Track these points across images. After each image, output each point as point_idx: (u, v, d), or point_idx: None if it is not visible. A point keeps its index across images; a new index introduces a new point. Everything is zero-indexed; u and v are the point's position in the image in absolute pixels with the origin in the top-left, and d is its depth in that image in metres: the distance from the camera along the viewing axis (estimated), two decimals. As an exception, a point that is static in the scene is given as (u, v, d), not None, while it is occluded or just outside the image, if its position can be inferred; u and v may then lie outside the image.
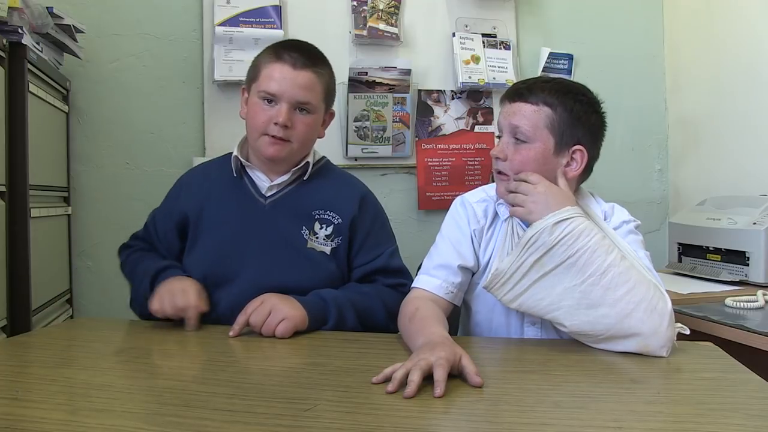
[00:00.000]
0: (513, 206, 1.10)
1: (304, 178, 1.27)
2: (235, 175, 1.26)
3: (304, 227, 1.24)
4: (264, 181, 1.26)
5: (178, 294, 1.12)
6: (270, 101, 1.20)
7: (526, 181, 1.09)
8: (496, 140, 1.21)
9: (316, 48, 1.27)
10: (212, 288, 1.20)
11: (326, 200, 1.27)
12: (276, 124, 1.18)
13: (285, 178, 1.25)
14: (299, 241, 1.23)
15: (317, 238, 1.24)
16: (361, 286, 1.26)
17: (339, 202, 1.27)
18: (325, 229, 1.25)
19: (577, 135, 1.12)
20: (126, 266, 1.31)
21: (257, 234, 1.23)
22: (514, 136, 1.13)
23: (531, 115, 1.11)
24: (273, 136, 1.19)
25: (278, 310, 1.09)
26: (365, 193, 1.33)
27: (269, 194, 1.26)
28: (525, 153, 1.11)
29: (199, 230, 1.25)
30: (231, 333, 1.08)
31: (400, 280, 1.29)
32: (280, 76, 1.19)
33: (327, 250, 1.24)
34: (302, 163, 1.27)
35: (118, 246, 1.35)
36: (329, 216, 1.25)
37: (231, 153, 1.28)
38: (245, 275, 1.20)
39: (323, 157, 1.36)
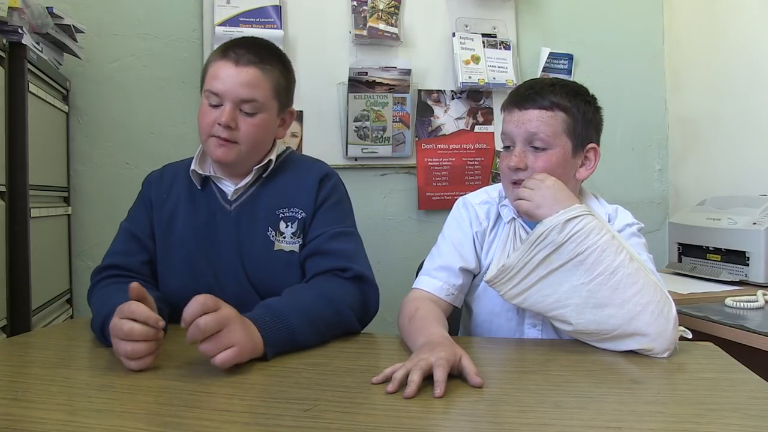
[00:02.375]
0: (518, 200, 1.09)
1: (264, 176, 1.23)
2: (199, 187, 1.23)
3: (269, 229, 1.20)
4: (229, 187, 1.23)
5: (120, 345, 0.89)
6: (216, 103, 1.15)
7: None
8: (498, 145, 1.20)
9: (268, 44, 1.22)
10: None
11: (288, 196, 1.22)
12: (219, 124, 1.14)
13: (248, 179, 1.22)
14: (266, 244, 1.20)
15: (284, 237, 1.20)
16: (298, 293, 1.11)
17: (300, 194, 1.22)
18: (291, 227, 1.21)
19: (590, 135, 1.13)
20: (90, 296, 1.18)
21: (226, 243, 1.20)
22: (530, 144, 1.11)
23: (548, 121, 1.09)
24: (219, 137, 1.15)
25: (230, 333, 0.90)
26: (324, 174, 1.25)
27: (233, 198, 1.22)
28: (547, 159, 1.10)
29: (170, 242, 1.21)
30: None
31: (336, 264, 1.14)
32: (224, 74, 1.14)
33: (296, 248, 1.21)
34: (264, 161, 1.22)
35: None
36: (293, 212, 1.21)
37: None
38: (220, 287, 1.18)
39: (287, 149, 1.31)
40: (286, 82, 1.24)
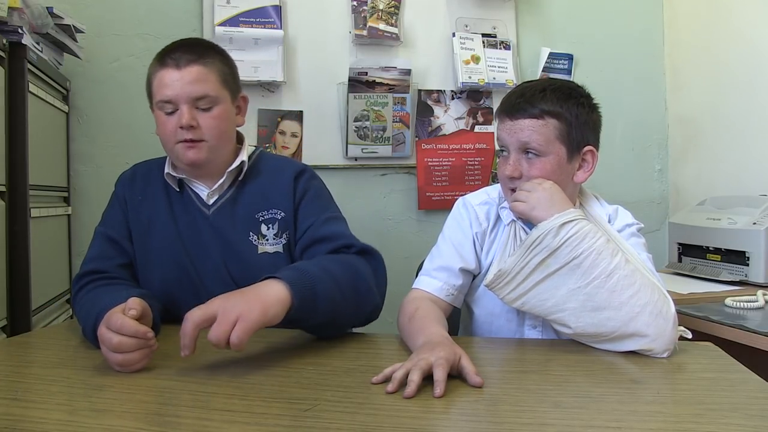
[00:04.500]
0: (515, 201, 1.09)
1: (240, 178, 1.23)
2: (177, 189, 1.24)
3: (251, 233, 1.21)
4: (204, 190, 1.23)
5: (111, 355, 0.89)
6: (170, 110, 1.15)
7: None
8: (498, 153, 1.19)
9: (201, 41, 1.23)
10: (178, 304, 1.18)
11: (266, 198, 1.23)
12: (182, 128, 1.14)
13: (221, 180, 1.22)
14: (249, 249, 1.20)
15: (267, 240, 1.21)
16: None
17: (277, 194, 1.23)
18: (272, 228, 1.21)
19: (586, 137, 1.12)
20: (74, 305, 1.18)
21: (209, 247, 1.20)
22: (524, 153, 1.10)
23: (540, 130, 1.08)
24: (185, 141, 1.15)
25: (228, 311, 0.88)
26: (298, 171, 1.26)
27: (211, 202, 1.22)
28: (541, 166, 1.09)
29: (150, 245, 1.21)
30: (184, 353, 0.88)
31: (340, 242, 1.18)
32: (169, 80, 1.14)
33: (280, 248, 1.22)
34: (237, 163, 1.22)
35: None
36: (272, 213, 1.22)
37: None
38: (207, 291, 1.17)
39: (256, 149, 1.31)
40: (230, 70, 1.23)
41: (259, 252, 1.21)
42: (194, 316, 0.88)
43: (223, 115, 1.19)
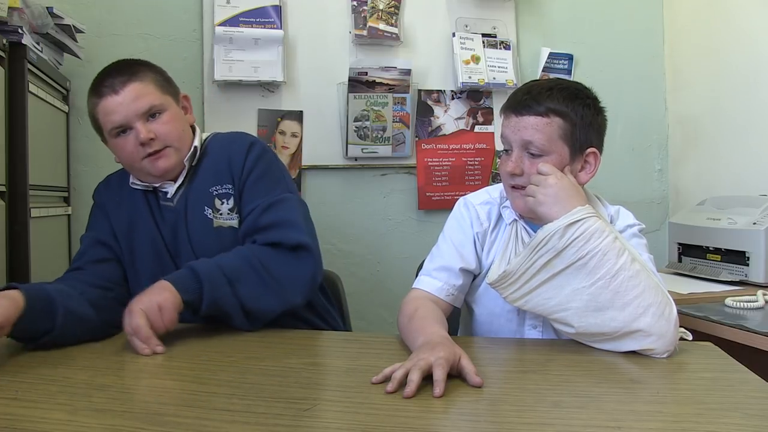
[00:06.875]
0: (527, 197, 1.07)
1: (194, 164, 1.27)
2: (152, 189, 1.27)
3: (205, 207, 1.23)
4: (172, 187, 1.26)
5: None
6: (124, 132, 1.19)
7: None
8: (498, 145, 1.19)
9: (126, 61, 1.25)
10: None
11: (218, 173, 1.25)
12: (143, 144, 1.17)
13: (183, 175, 1.25)
14: (206, 223, 1.23)
15: (221, 214, 1.23)
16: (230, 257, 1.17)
17: (227, 168, 1.25)
18: (227, 203, 1.24)
19: (590, 138, 1.11)
20: None
21: (179, 236, 1.24)
22: (527, 150, 1.10)
23: (543, 128, 1.08)
24: (149, 155, 1.19)
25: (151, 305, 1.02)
26: (248, 145, 1.27)
27: (175, 192, 1.26)
28: None
29: (134, 247, 1.25)
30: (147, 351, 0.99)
31: (275, 236, 1.18)
32: (113, 107, 1.17)
33: (235, 223, 1.24)
34: (191, 150, 1.25)
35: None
36: (226, 189, 1.24)
37: None
38: None
39: (212, 134, 1.34)
40: (162, 76, 1.27)
41: (214, 226, 1.23)
42: (140, 329, 0.99)
43: (173, 119, 1.23)
